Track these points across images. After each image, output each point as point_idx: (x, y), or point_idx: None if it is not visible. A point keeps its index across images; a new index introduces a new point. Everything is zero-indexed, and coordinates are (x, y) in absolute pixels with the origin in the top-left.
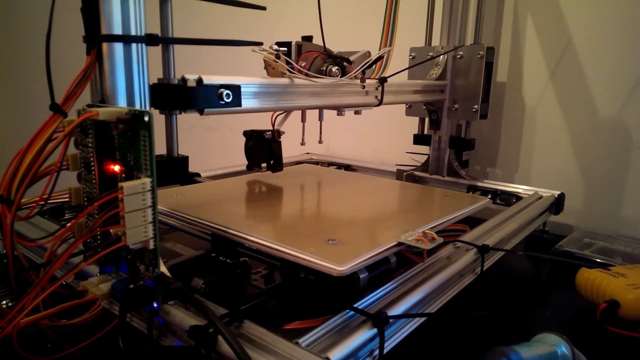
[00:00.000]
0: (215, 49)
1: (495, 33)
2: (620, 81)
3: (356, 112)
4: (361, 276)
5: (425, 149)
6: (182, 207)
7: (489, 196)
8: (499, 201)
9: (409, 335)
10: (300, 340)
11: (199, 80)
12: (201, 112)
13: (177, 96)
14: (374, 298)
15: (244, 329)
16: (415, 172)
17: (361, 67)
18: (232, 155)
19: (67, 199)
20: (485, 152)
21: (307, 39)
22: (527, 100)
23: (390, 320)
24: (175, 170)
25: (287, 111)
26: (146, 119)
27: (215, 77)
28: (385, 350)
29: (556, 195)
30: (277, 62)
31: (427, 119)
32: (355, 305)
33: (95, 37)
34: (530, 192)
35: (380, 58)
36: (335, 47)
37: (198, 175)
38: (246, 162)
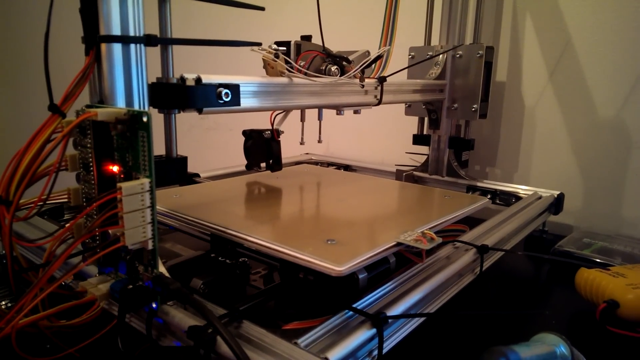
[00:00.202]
0: (214, 49)
1: (495, 32)
2: (620, 81)
3: (355, 112)
4: (360, 276)
5: (424, 149)
6: (181, 208)
7: (489, 196)
8: (498, 201)
9: (408, 336)
10: (299, 341)
11: (198, 79)
12: (200, 111)
13: (176, 95)
14: (373, 298)
15: (243, 329)
16: (414, 172)
17: (360, 67)
18: (231, 155)
19: (66, 200)
20: (485, 152)
21: (306, 38)
22: (526, 100)
23: (390, 320)
24: (174, 171)
25: (286, 110)
26: (145, 119)
27: (214, 76)
28: (384, 351)
29: (555, 195)
30: (276, 61)
31: (426, 119)
32: (354, 306)
33: (94, 38)
34: (530, 192)
35: (379, 57)
36: (334, 46)
37: (197, 175)
38: (245, 162)
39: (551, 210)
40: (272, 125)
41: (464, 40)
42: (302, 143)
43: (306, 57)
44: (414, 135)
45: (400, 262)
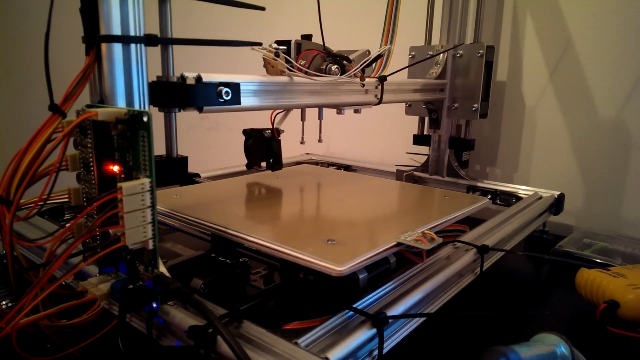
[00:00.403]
0: (214, 49)
1: (495, 32)
2: (620, 81)
3: (356, 111)
4: (360, 276)
5: (425, 149)
6: (182, 208)
7: (489, 196)
8: (498, 201)
9: (408, 336)
10: (299, 341)
11: (198, 78)
12: (200, 110)
13: (176, 94)
14: (373, 298)
15: (243, 329)
16: (415, 173)
17: (360, 66)
18: (231, 155)
19: (67, 200)
20: (485, 152)
21: (307, 37)
22: (527, 99)
23: (390, 320)
24: (174, 171)
25: (287, 109)
26: (145, 119)
27: (215, 75)
28: (384, 351)
29: (556, 196)
30: (276, 60)
31: (426, 118)
32: (354, 306)
33: (94, 38)
34: (530, 193)
35: (379, 56)
36: (334, 45)
37: (197, 175)
38: (245, 161)
39: (551, 210)
40: (273, 124)
41: (465, 39)
42: (302, 142)
43: (306, 56)
44: (414, 136)
45: (400, 262)
